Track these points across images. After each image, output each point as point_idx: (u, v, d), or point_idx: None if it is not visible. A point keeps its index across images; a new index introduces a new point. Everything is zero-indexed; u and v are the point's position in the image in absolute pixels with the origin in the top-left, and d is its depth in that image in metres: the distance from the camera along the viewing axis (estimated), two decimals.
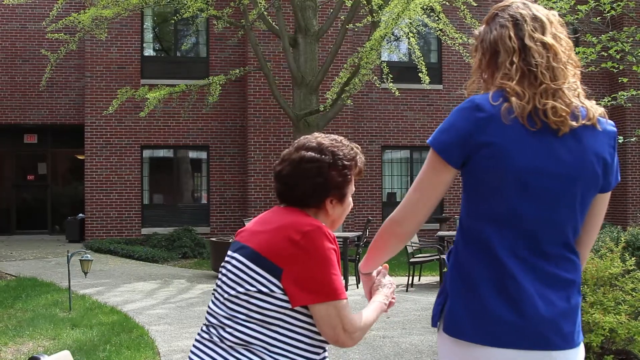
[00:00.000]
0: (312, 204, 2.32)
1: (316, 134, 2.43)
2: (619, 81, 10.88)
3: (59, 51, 14.10)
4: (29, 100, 19.29)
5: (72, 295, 9.87)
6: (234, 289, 2.22)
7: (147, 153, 18.33)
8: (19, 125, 19.64)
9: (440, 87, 18.43)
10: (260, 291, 2.17)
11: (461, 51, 13.53)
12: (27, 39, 18.94)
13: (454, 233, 12.15)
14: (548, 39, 2.13)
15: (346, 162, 2.35)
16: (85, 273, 9.15)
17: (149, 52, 18.58)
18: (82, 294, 10.25)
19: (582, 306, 4.74)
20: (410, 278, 11.37)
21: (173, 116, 17.67)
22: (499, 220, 2.09)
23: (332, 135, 2.45)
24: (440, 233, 12.61)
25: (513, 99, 2.06)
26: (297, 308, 2.18)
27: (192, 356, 2.28)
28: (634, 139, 9.30)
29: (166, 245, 16.21)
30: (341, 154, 2.35)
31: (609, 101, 8.93)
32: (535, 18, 2.17)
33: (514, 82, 2.09)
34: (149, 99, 13.43)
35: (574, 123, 2.08)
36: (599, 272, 5.67)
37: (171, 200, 18.59)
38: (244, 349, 2.17)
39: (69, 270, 9.22)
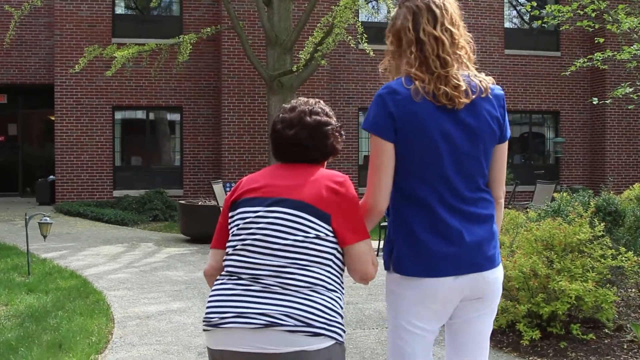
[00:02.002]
0: (320, 162, 2.66)
1: (302, 99, 2.72)
2: (596, 42, 10.60)
3: (22, 7, 13.59)
4: None
5: (33, 260, 9.60)
6: (286, 238, 2.43)
7: (118, 114, 17.92)
8: None
9: None
10: (317, 236, 2.44)
11: None
12: None
13: None
14: (437, 32, 2.53)
15: (339, 126, 2.73)
16: (44, 236, 8.84)
17: (120, 10, 18.08)
18: (44, 258, 9.96)
19: (549, 273, 4.50)
20: (382, 242, 11.16)
21: (145, 76, 17.24)
22: (426, 177, 2.56)
23: (312, 99, 2.74)
24: None
25: (417, 82, 2.52)
26: (339, 248, 2.50)
27: (236, 308, 2.40)
28: (609, 100, 9.06)
29: (137, 208, 15.90)
30: (335, 118, 2.73)
31: (584, 62, 8.70)
32: (429, 9, 2.54)
33: (414, 68, 2.54)
34: (117, 57, 13.02)
35: (465, 100, 2.53)
36: (567, 238, 5.46)
37: (144, 162, 18.25)
38: (310, 290, 2.41)
39: (27, 234, 8.90)
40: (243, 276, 2.45)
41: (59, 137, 17.30)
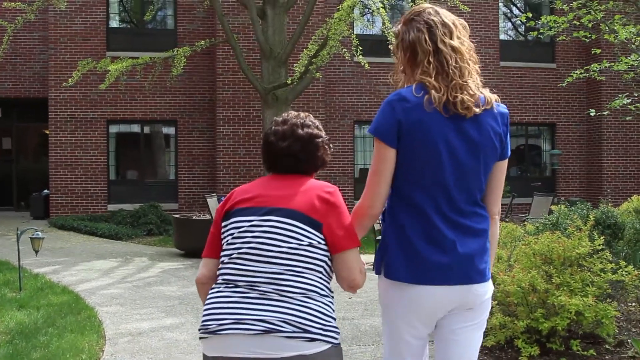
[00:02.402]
0: (310, 173, 2.77)
1: (293, 112, 2.82)
2: (592, 52, 10.53)
3: (15, 21, 13.50)
4: None
5: (25, 275, 9.48)
6: (281, 246, 2.52)
7: (113, 128, 17.82)
8: None
9: None
10: (310, 244, 2.54)
11: None
12: None
13: None
14: (455, 42, 2.65)
15: (328, 139, 2.87)
16: (36, 251, 8.74)
17: (114, 23, 18.02)
18: (37, 273, 9.84)
19: (548, 288, 4.42)
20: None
21: (140, 90, 17.16)
22: (426, 186, 2.63)
23: (302, 113, 2.85)
24: None
25: (433, 92, 2.58)
26: (329, 255, 2.60)
27: (234, 315, 2.47)
28: (607, 112, 8.99)
29: (131, 222, 15.77)
30: (324, 132, 2.86)
31: (581, 73, 8.64)
32: (444, 24, 2.66)
33: (432, 77, 2.61)
34: (110, 71, 12.94)
35: (477, 110, 2.62)
36: (566, 252, 5.37)
37: (138, 176, 18.13)
38: (304, 296, 2.50)
39: (18, 249, 8.79)
40: (240, 284, 2.53)
41: (53, 151, 17.18)
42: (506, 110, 2.75)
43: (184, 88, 17.60)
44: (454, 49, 2.63)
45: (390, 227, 2.70)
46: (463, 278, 2.61)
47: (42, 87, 18.28)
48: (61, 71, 16.73)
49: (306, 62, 12.46)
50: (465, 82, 2.61)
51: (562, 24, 8.43)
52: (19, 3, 13.07)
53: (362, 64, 12.90)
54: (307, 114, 2.84)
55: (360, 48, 12.67)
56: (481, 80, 2.71)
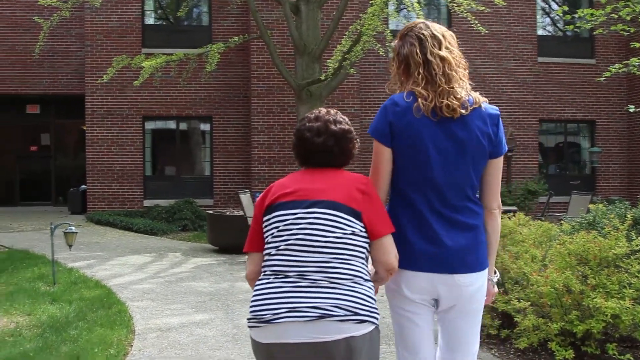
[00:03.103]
0: (341, 166, 2.94)
1: (323, 109, 2.99)
2: (631, 46, 10.23)
3: (51, 18, 13.63)
4: (30, 70, 18.90)
5: (60, 269, 9.57)
6: (327, 235, 2.69)
7: (149, 124, 17.93)
8: (21, 95, 19.29)
9: None
10: (353, 232, 2.72)
11: (470, 19, 12.93)
12: (28, 7, 18.49)
13: None
14: (443, 52, 2.92)
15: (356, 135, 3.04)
16: (70, 246, 8.80)
17: (150, 20, 18.12)
18: (71, 267, 9.91)
19: (583, 289, 4.45)
20: None
21: (175, 86, 17.23)
22: (418, 183, 2.91)
23: (331, 109, 3.02)
24: None
25: (420, 100, 2.87)
26: (368, 242, 2.79)
27: (288, 304, 2.63)
28: None
29: (166, 218, 15.87)
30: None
31: (620, 68, 8.41)
32: (434, 36, 2.94)
33: (420, 87, 2.89)
34: (144, 67, 13.00)
35: (463, 111, 2.87)
36: (602, 253, 5.21)
37: (174, 172, 18.23)
38: (352, 282, 2.68)
39: (52, 243, 8.86)
40: (290, 274, 2.68)
41: (90, 147, 17.36)
42: (496, 112, 2.99)
43: (219, 84, 17.63)
44: (442, 59, 2.91)
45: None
46: (447, 268, 2.89)
47: (79, 83, 18.47)
48: (97, 68, 16.87)
49: (340, 58, 12.36)
50: (452, 87, 2.88)
51: (600, 17, 8.21)
52: (55, 1, 13.18)
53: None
54: (336, 110, 3.01)
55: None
56: (470, 84, 2.98)
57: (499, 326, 5.82)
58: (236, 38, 13.92)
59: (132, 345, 5.97)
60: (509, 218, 6.85)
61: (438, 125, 2.87)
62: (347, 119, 3.00)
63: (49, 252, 10.87)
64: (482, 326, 6.07)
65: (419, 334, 3.02)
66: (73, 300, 7.67)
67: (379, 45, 13.33)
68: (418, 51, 2.92)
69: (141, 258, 11.25)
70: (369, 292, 2.72)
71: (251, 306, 2.74)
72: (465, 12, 12.63)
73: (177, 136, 18.32)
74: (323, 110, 2.98)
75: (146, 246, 12.74)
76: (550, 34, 19.55)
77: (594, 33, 10.76)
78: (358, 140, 3.00)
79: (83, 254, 11.51)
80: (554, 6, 19.42)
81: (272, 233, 2.77)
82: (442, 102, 2.85)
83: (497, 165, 3.01)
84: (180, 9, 15.45)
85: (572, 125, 19.63)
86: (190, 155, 18.62)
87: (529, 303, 5.29)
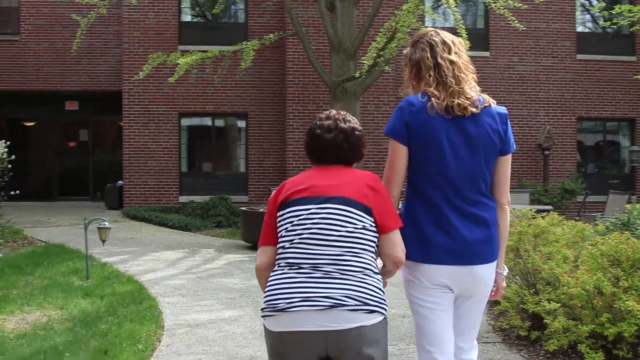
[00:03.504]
0: (351, 163, 3.09)
1: (334, 110, 3.20)
2: None
3: (88, 16, 13.79)
4: (69, 67, 19.18)
5: (94, 264, 9.69)
6: (339, 230, 2.83)
7: (185, 120, 18.06)
8: (60, 92, 19.57)
9: (487, 54, 17.60)
10: (364, 227, 2.86)
11: (507, 15, 12.76)
12: (67, 5, 18.73)
13: None
14: (453, 57, 3.15)
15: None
16: (103, 241, 8.89)
17: (186, 17, 18.24)
18: (105, 262, 10.02)
19: (615, 291, 5.00)
20: None
21: (211, 83, 17.30)
22: (434, 178, 3.09)
23: (341, 111, 3.21)
24: None
25: (433, 99, 3.08)
26: (377, 237, 2.92)
27: (302, 293, 2.76)
28: None
29: (201, 214, 15.97)
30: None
31: None
32: (444, 42, 3.18)
33: (432, 88, 3.11)
34: (180, 64, 13.08)
35: (474, 109, 3.08)
36: (635, 254, 5.09)
37: (209, 169, 18.34)
38: (362, 274, 2.82)
39: (86, 238, 8.98)
40: (304, 265, 2.81)
41: (127, 143, 17.55)
42: (505, 111, 3.21)
43: (255, 81, 17.68)
44: (451, 62, 3.13)
45: (406, 215, 3.15)
46: (465, 260, 3.08)
47: (116, 80, 18.68)
48: (135, 65, 17.01)
49: (374, 55, 12.30)
50: (462, 87, 3.08)
51: (638, 13, 8.04)
52: None
53: None
54: (345, 112, 3.20)
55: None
56: (480, 89, 3.21)
57: (529, 328, 5.73)
58: (271, 35, 13.95)
59: (160, 341, 6.01)
60: (542, 217, 6.74)
61: (451, 123, 3.07)
62: (356, 120, 3.15)
63: (84, 246, 11.05)
64: (512, 327, 6.01)
65: (441, 325, 3.16)
66: (105, 295, 7.75)
67: None
68: (429, 55, 3.14)
69: (174, 254, 11.34)
70: (378, 284, 2.87)
71: (265, 296, 2.87)
72: (502, 9, 12.47)
73: (213, 133, 18.42)
74: (333, 111, 3.17)
75: (180, 242, 12.83)
76: (589, 31, 19.22)
77: (632, 29, 10.53)
78: (366, 140, 3.19)
79: (117, 249, 11.63)
80: (594, 2, 19.09)
81: (286, 227, 2.91)
82: (453, 101, 3.05)
83: (506, 163, 3.22)
84: (216, 6, 15.51)
85: (611, 123, 19.28)
86: (226, 152, 18.71)
87: (560, 305, 5.20)
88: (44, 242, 12.25)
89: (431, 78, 3.11)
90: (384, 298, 2.87)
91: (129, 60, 17.27)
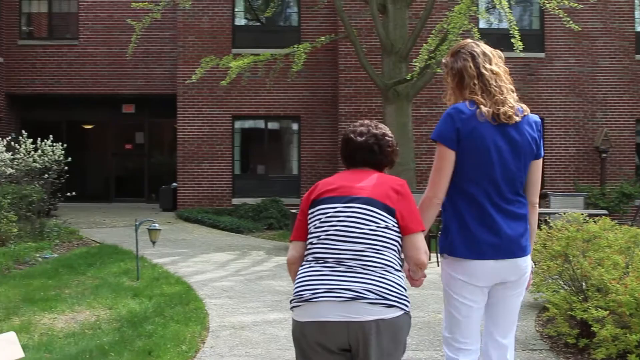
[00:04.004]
0: (381, 167, 3.31)
1: (367, 120, 3.43)
2: None
3: (143, 20, 14.03)
4: (126, 71, 19.53)
5: (145, 264, 9.84)
6: (363, 228, 3.02)
7: (238, 123, 18.22)
8: (117, 95, 19.95)
9: (542, 55, 17.26)
10: (387, 226, 3.05)
11: (561, 16, 12.51)
12: (124, 9, 19.06)
13: (546, 210, 11.41)
14: (494, 67, 3.38)
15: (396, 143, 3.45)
16: (153, 243, 9.03)
17: (240, 21, 18.39)
18: (155, 263, 10.16)
19: None
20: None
21: (264, 86, 17.41)
22: (479, 180, 3.34)
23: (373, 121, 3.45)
24: None
25: (482, 106, 3.32)
26: (400, 237, 3.09)
27: (326, 285, 2.96)
28: None
29: (252, 216, 16.06)
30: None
31: None
32: (484, 54, 3.41)
33: (479, 95, 3.34)
34: (232, 67, 13.20)
35: (517, 118, 3.35)
36: None
37: (262, 171, 18.45)
38: (383, 270, 3.00)
39: (136, 239, 9.12)
40: (329, 260, 3.03)
41: (181, 146, 17.80)
42: (538, 119, 3.48)
43: (307, 84, 17.73)
44: (493, 72, 3.36)
45: (451, 215, 3.39)
46: (509, 254, 3.34)
47: (172, 84, 18.95)
48: (189, 68, 17.22)
49: (426, 57, 12.21)
50: (505, 97, 3.33)
51: None
52: (147, 3, 13.54)
53: None
54: (377, 122, 3.44)
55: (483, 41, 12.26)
56: (517, 95, 3.44)
57: (577, 335, 5.59)
58: (322, 38, 13.98)
59: (204, 342, 6.06)
60: (595, 222, 6.57)
61: (497, 129, 3.31)
62: (388, 129, 3.40)
63: (138, 247, 11.23)
64: (560, 334, 5.87)
65: (476, 321, 3.45)
66: (153, 295, 7.86)
67: None
68: (472, 65, 3.36)
69: (224, 256, 11.43)
70: (399, 280, 3.04)
71: (294, 288, 3.09)
72: (557, 10, 12.23)
73: (266, 135, 18.53)
74: (367, 120, 3.43)
75: (230, 244, 12.93)
76: None
77: None
78: (398, 149, 3.44)
79: (169, 250, 11.79)
80: None
81: (315, 224, 3.13)
82: (499, 110, 3.30)
83: (538, 166, 3.50)
84: (268, 9, 15.60)
85: None
86: (278, 155, 18.80)
87: (608, 312, 5.05)
88: (98, 242, 12.50)
89: (476, 86, 3.34)
90: (406, 295, 3.03)
91: (184, 64, 17.52)
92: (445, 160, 3.32)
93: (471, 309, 3.40)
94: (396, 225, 3.08)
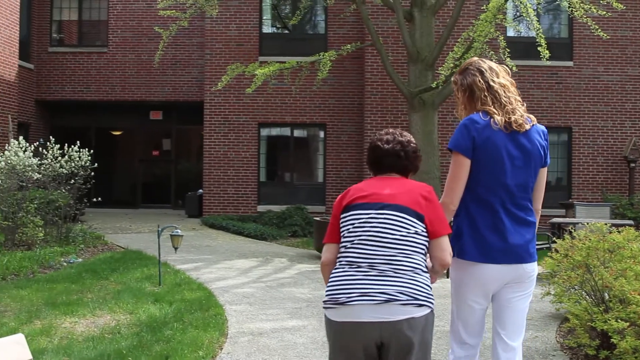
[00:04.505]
0: (407, 173, 3.49)
1: (392, 129, 3.60)
2: None
3: (170, 28, 14.14)
4: (154, 78, 19.72)
5: (167, 270, 9.89)
6: (394, 234, 3.22)
7: (264, 130, 18.27)
8: (145, 102, 20.14)
9: (570, 63, 17.10)
10: (416, 232, 3.25)
11: (589, 24, 12.38)
12: (153, 17, 19.28)
13: (570, 220, 11.26)
14: (502, 80, 3.63)
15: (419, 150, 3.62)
16: (175, 249, 9.06)
17: (267, 29, 18.47)
18: (178, 269, 10.21)
19: None
20: None
21: (290, 94, 17.46)
22: (493, 186, 3.53)
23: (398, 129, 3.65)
24: (555, 220, 11.64)
25: (495, 116, 3.54)
26: (428, 241, 3.30)
27: (360, 289, 3.16)
28: None
29: (277, 223, 16.06)
30: None
31: None
32: (491, 69, 3.66)
33: (490, 106, 3.57)
34: (257, 75, 13.24)
35: (527, 126, 3.57)
36: None
37: (287, 178, 18.48)
38: (413, 272, 3.21)
39: (159, 245, 9.18)
40: (362, 264, 3.21)
41: (207, 152, 17.89)
42: (545, 129, 3.71)
43: (333, 92, 17.74)
44: (501, 85, 3.60)
45: (464, 219, 3.58)
46: (517, 258, 3.54)
47: (199, 91, 19.09)
48: (216, 76, 17.31)
49: (452, 65, 12.13)
50: (514, 107, 3.57)
51: None
52: (174, 11, 13.66)
53: (510, 66, 12.39)
54: (402, 130, 3.62)
55: (508, 50, 12.19)
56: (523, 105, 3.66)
57: (598, 346, 5.50)
58: (348, 46, 13.95)
59: (222, 348, 6.06)
60: (619, 232, 6.47)
61: (509, 137, 3.53)
62: (412, 137, 3.57)
63: (162, 253, 11.28)
64: (580, 345, 5.78)
65: (481, 320, 3.69)
66: (174, 301, 7.88)
67: (492, 52, 12.99)
68: (480, 79, 3.60)
69: (247, 262, 11.44)
70: (426, 281, 3.26)
71: (327, 290, 3.27)
72: (585, 18, 12.10)
73: (292, 143, 18.56)
74: (392, 129, 3.60)
75: (254, 251, 12.95)
76: None
77: None
78: (421, 156, 3.58)
79: (193, 256, 11.84)
80: None
81: (348, 229, 3.31)
82: (510, 118, 3.52)
83: (543, 173, 3.71)
84: (295, 17, 15.64)
85: None
86: (304, 162, 18.82)
87: (628, 324, 4.97)
88: (123, 248, 12.59)
89: (487, 98, 3.57)
90: (431, 294, 3.26)
91: (211, 71, 17.62)
92: (462, 168, 3.52)
93: (475, 309, 3.63)
94: (424, 230, 3.28)
